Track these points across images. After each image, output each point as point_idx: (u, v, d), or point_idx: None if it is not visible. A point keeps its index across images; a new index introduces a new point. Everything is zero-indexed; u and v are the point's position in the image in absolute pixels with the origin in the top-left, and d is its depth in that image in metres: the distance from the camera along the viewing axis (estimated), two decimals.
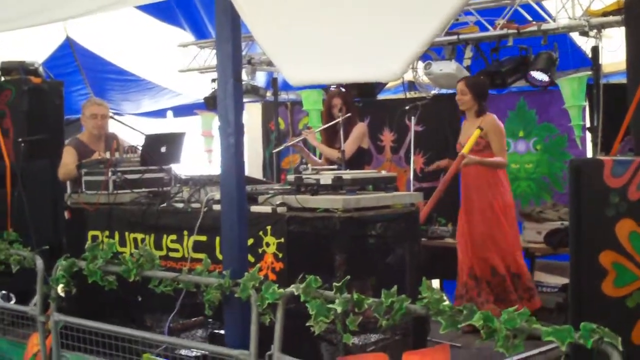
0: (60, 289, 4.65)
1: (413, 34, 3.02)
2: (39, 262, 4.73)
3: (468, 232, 6.44)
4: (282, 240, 4.64)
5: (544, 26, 6.74)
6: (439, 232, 7.56)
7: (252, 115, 10.76)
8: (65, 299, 5.13)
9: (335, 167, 5.96)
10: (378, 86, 8.40)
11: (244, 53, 8.65)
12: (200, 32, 9.21)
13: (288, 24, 3.41)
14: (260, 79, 9.64)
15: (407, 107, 7.33)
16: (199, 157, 11.30)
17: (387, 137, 9.25)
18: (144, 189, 5.85)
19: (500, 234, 6.36)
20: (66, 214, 6.29)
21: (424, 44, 3.01)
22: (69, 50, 10.33)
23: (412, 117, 7.30)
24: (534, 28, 6.78)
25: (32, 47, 9.22)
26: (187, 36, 9.38)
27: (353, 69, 3.33)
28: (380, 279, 4.75)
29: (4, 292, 6.46)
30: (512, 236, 6.46)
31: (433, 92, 8.49)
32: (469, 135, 6.28)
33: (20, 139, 7.09)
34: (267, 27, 3.47)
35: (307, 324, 3.42)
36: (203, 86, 9.19)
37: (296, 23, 3.39)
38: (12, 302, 6.25)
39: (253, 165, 10.67)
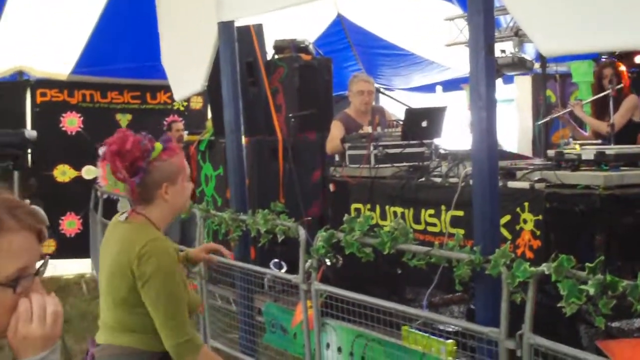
0: (327, 259, 4.79)
1: None
2: (302, 233, 4.89)
3: None
4: (540, 217, 4.47)
5: None
6: None
7: (522, 88, 10.47)
8: (331, 269, 5.32)
9: (599, 141, 5.65)
10: None
11: (510, 25, 8.42)
12: (467, 5, 9.07)
13: None
14: (530, 50, 9.33)
15: None
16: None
17: None
18: (404, 163, 5.89)
19: None
20: (331, 187, 6.50)
21: None
22: (340, 27, 10.64)
23: None
24: None
25: (305, 25, 9.59)
26: (455, 9, 9.29)
27: (612, 36, 3.12)
28: None
29: (275, 260, 6.78)
30: None
31: None
32: None
33: (291, 115, 7.41)
34: None
35: (558, 305, 3.28)
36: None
37: None
38: (284, 270, 6.55)
39: (523, 139, 10.40)
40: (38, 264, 1.69)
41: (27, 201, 1.70)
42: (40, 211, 1.70)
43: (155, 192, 3.11)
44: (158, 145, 3.11)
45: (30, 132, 6.13)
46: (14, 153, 5.88)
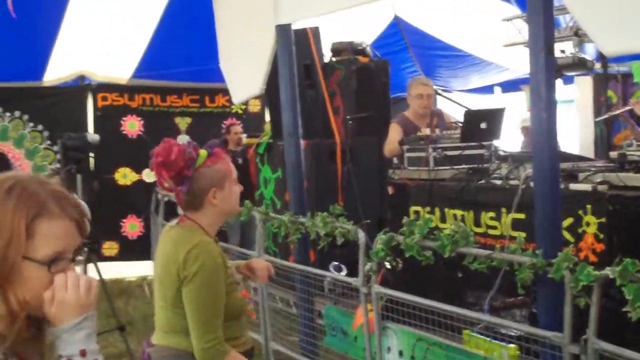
0: (387, 263, 4.77)
1: None
2: (361, 236, 4.88)
3: None
4: (603, 220, 4.40)
5: None
6: None
7: (583, 88, 10.31)
8: (392, 272, 5.30)
9: None
10: None
11: (570, 25, 8.30)
12: (525, 5, 8.97)
13: None
14: (590, 50, 9.19)
15: None
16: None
17: None
18: (463, 165, 5.85)
19: None
20: (390, 189, 6.48)
21: None
22: (397, 29, 10.61)
23: None
24: None
25: (362, 28, 9.59)
26: (513, 9, 9.19)
27: None
28: None
29: (335, 263, 6.78)
30: None
31: None
32: None
33: (348, 117, 7.42)
34: None
35: (624, 309, 3.22)
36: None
37: None
38: (343, 273, 6.55)
39: (584, 140, 10.24)
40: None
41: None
42: (85, 205, 1.87)
43: (204, 198, 3.16)
44: (203, 153, 3.15)
45: (92, 135, 6.26)
46: (77, 156, 5.99)
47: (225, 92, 8.95)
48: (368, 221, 5.38)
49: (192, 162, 3.09)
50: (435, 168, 5.87)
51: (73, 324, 1.76)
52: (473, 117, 6.15)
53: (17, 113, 9.96)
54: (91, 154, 8.48)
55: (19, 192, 1.75)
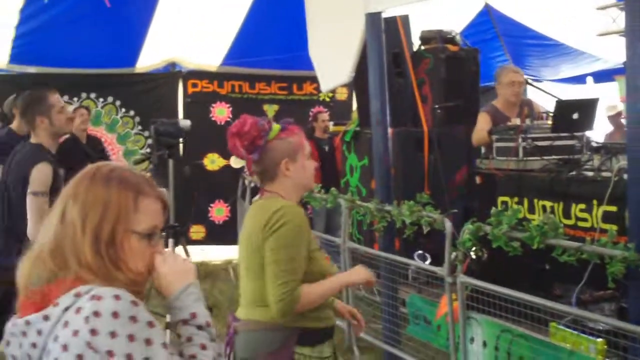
0: (472, 252, 4.74)
1: None
2: (448, 225, 4.86)
3: None
4: None
5: None
6: None
7: None
8: (477, 262, 5.26)
9: None
10: None
11: None
12: None
13: None
14: None
15: None
16: None
17: None
18: (553, 156, 5.76)
19: None
20: (477, 179, 6.43)
21: None
22: (487, 17, 10.47)
23: None
24: None
25: (451, 16, 9.51)
26: None
27: None
28: None
29: (419, 252, 6.77)
30: None
31: None
32: None
33: (437, 106, 7.38)
34: None
35: None
36: (624, 50, 8.73)
37: None
38: (427, 262, 6.54)
39: None
40: None
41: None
42: (164, 190, 2.12)
43: (276, 169, 3.24)
44: (276, 126, 3.25)
45: (184, 121, 6.36)
46: (169, 142, 6.11)
47: (313, 79, 9.02)
48: (455, 210, 5.36)
49: (265, 133, 3.20)
50: (525, 158, 5.79)
51: (179, 291, 2.05)
52: (565, 107, 6.03)
53: (110, 99, 10.21)
54: (180, 140, 8.67)
55: (118, 175, 1.99)
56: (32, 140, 5.09)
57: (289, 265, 3.06)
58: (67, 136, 6.29)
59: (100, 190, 1.94)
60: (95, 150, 8.27)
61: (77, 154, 7.42)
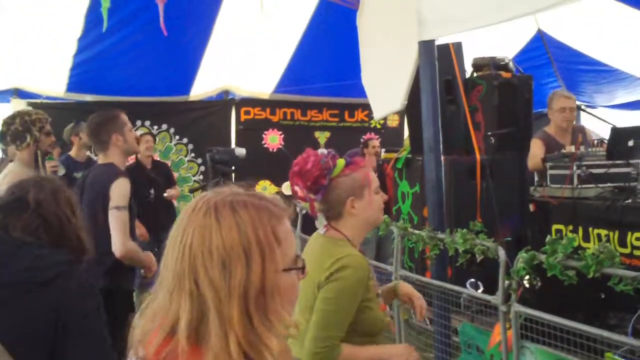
0: (526, 281, 4.69)
1: None
2: (502, 253, 4.81)
3: None
4: None
5: None
6: None
7: None
8: (530, 291, 5.20)
9: None
10: None
11: None
12: None
13: None
14: None
15: None
16: None
17: None
18: (608, 184, 5.68)
19: None
20: (531, 207, 6.37)
21: None
22: (540, 43, 10.41)
23: None
24: None
25: (504, 42, 9.47)
26: None
27: None
28: None
29: (472, 280, 6.71)
30: None
31: None
32: None
33: (489, 133, 7.32)
34: None
35: None
36: None
37: None
38: (480, 290, 6.47)
39: None
40: None
41: None
42: (280, 198, 1.79)
43: (342, 207, 3.13)
44: (340, 162, 3.12)
45: (239, 149, 6.45)
46: (224, 170, 6.19)
47: (364, 107, 9.05)
48: (509, 239, 5.31)
49: (329, 171, 3.08)
50: (580, 186, 5.72)
51: None
52: (620, 134, 5.96)
53: (164, 126, 10.38)
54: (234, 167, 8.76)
55: (243, 206, 1.62)
56: (101, 160, 5.11)
57: (337, 318, 2.97)
58: (131, 162, 6.38)
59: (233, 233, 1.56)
60: (160, 175, 8.39)
61: (141, 178, 7.54)
